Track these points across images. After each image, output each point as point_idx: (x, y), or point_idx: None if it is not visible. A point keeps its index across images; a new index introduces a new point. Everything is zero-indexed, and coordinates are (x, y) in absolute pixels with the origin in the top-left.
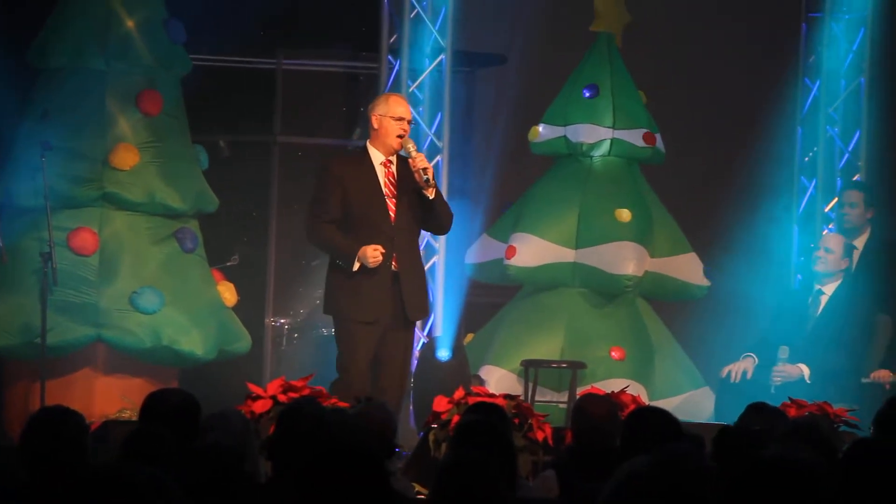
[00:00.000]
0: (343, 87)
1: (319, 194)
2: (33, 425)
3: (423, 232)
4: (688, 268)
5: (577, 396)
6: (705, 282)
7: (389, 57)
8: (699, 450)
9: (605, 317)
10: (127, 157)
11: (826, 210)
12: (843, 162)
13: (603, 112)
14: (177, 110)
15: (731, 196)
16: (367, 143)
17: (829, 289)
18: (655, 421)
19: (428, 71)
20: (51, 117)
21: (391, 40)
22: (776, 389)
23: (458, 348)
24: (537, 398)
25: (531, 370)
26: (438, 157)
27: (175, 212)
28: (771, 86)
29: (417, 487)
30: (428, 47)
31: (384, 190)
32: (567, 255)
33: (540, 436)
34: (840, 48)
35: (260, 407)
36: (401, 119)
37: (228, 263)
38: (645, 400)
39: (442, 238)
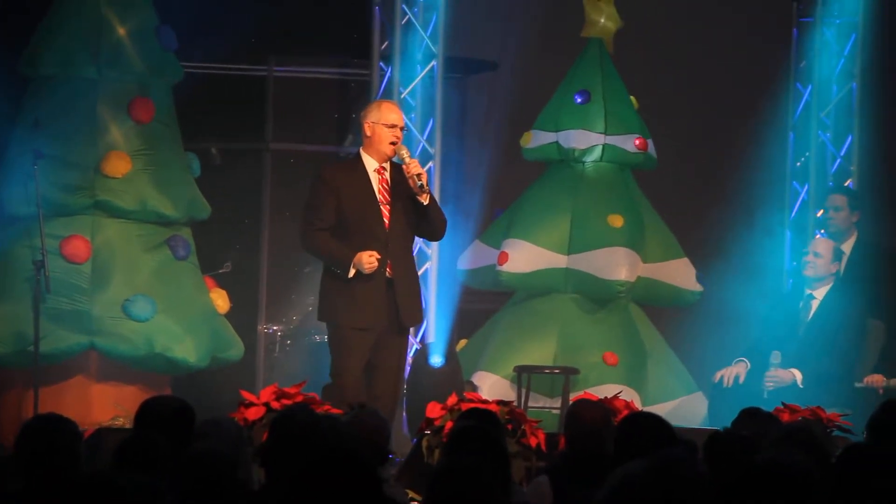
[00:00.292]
0: (335, 93)
1: (313, 201)
2: (27, 433)
3: (415, 238)
4: (680, 273)
5: (570, 402)
6: (698, 287)
7: (381, 63)
8: (692, 455)
9: (597, 322)
10: (119, 165)
11: (819, 215)
12: (835, 167)
13: (595, 118)
14: (168, 118)
15: (722, 201)
16: (361, 150)
17: (820, 293)
18: (648, 426)
19: (419, 77)
20: (42, 126)
21: (383, 47)
22: (769, 394)
23: (450, 354)
24: (530, 404)
25: (524, 376)
26: (430, 164)
27: (167, 219)
28: (762, 91)
29: (411, 494)
30: (419, 54)
31: (378, 196)
32: (559, 260)
33: (533, 441)
34: (832, 53)
35: (253, 414)
36: (393, 126)
37: (221, 271)
38: (638, 405)
39: (434, 244)
